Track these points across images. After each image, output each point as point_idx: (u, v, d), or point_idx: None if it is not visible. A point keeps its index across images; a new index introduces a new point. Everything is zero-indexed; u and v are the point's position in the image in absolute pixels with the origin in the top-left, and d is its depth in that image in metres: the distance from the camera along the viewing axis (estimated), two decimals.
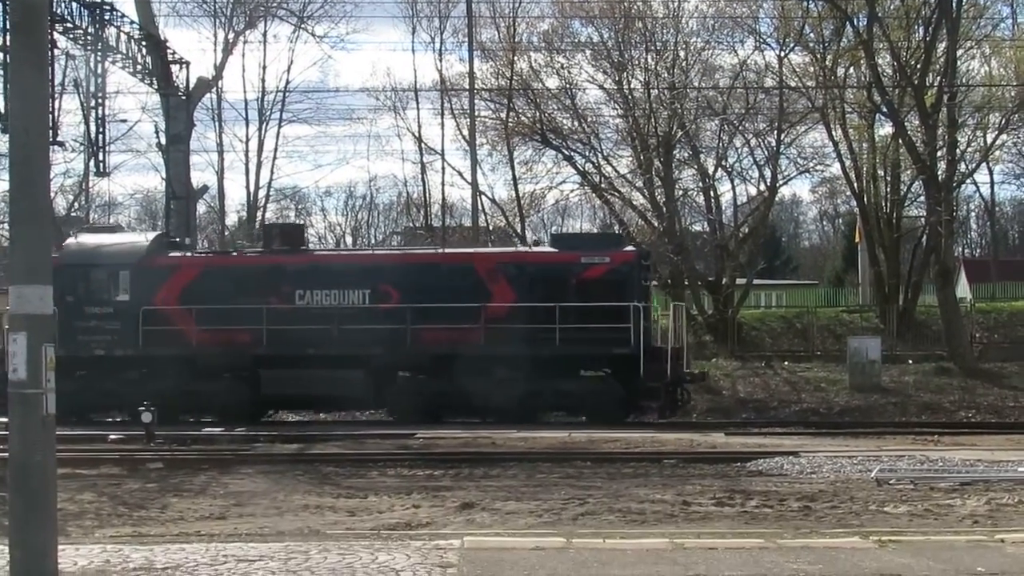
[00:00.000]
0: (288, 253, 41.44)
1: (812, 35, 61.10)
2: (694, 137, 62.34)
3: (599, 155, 63.65)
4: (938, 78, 57.71)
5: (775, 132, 62.38)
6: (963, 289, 76.42)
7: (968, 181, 66.76)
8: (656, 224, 61.18)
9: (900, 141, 57.78)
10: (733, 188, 66.21)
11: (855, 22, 58.17)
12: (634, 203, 63.75)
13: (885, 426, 37.22)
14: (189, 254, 44.23)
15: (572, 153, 63.65)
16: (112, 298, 40.62)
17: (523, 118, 63.70)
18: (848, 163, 61.89)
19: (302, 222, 72.91)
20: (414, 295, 39.59)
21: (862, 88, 60.58)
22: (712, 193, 64.18)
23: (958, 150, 59.32)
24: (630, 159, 63.86)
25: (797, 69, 61.98)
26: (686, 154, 63.59)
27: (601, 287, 39.09)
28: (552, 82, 63.92)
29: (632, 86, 61.89)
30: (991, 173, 72.94)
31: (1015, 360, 51.75)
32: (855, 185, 62.18)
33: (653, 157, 60.68)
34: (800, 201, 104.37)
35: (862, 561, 13.67)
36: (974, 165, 64.31)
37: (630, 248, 43.04)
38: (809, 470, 26.52)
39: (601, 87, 64.01)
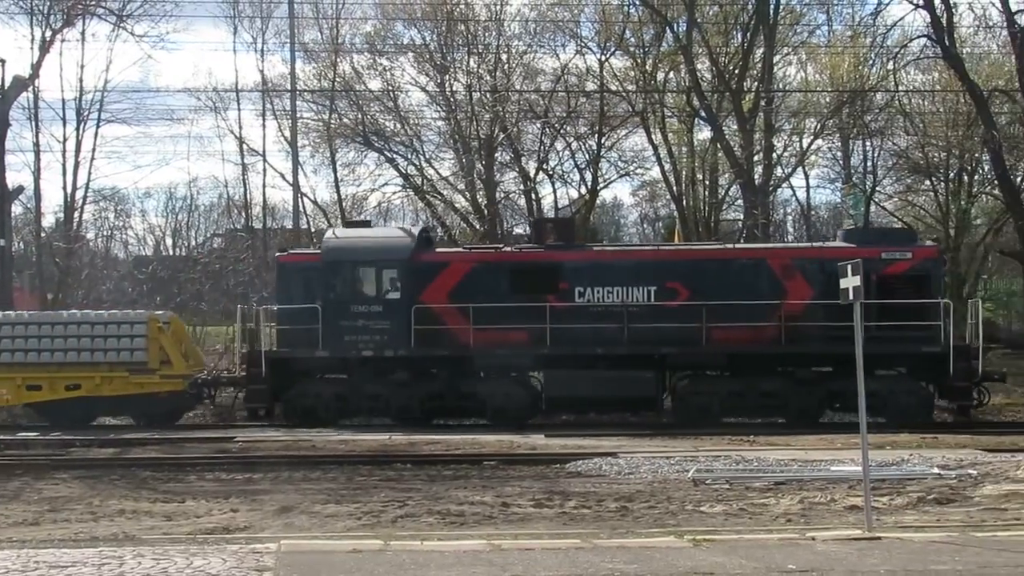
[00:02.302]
0: (565, 249, 39.60)
1: (633, 40, 61.75)
2: (516, 140, 62.61)
3: (421, 157, 63.74)
4: (755, 83, 58.73)
5: (596, 135, 62.98)
6: None
7: (784, 185, 67.81)
8: (478, 227, 61.29)
9: (718, 145, 58.65)
10: (554, 191, 66.67)
11: (675, 27, 58.98)
12: (456, 205, 63.88)
13: (703, 427, 37.59)
14: (459, 250, 42.56)
15: (394, 155, 63.61)
16: (382, 296, 38.82)
17: (345, 120, 63.47)
18: (668, 167, 62.71)
19: (120, 223, 71.47)
20: (703, 292, 38.21)
21: (682, 93, 61.43)
22: (534, 196, 64.53)
23: (775, 154, 60.46)
24: (452, 161, 64.05)
25: (618, 73, 62.58)
26: (508, 157, 63.92)
27: (904, 283, 37.96)
28: (375, 84, 63.84)
29: (454, 89, 62.08)
30: (807, 177, 74.13)
31: None
32: (674, 188, 62.95)
33: (475, 159, 60.87)
34: (621, 204, 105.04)
35: (676, 560, 13.81)
36: (790, 169, 65.35)
37: (930, 243, 41.97)
38: (627, 471, 26.71)
39: (424, 89, 64.10)
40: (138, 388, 39.11)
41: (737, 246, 40.88)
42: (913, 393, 37.67)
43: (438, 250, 41.77)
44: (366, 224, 45.13)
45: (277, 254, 42.10)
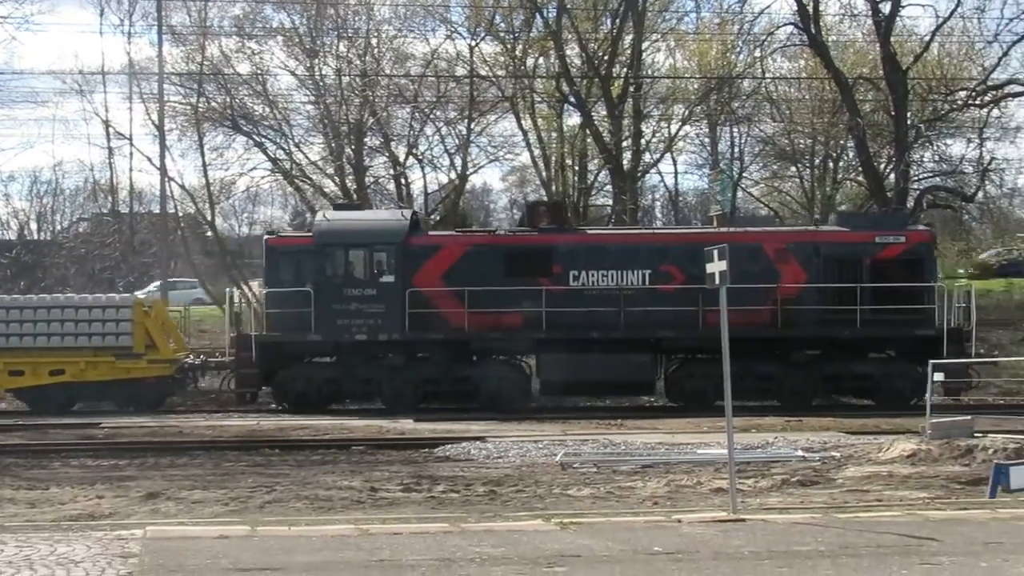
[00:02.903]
0: (560, 232, 39.44)
1: (503, 25, 61.73)
2: (386, 124, 62.34)
3: (291, 142, 63.16)
4: (624, 70, 59.00)
5: (466, 120, 62.83)
6: None
7: (653, 170, 68.23)
8: None
9: (588, 131, 58.89)
10: (424, 176, 66.38)
11: (544, 13, 59.05)
12: (325, 190, 63.44)
13: (570, 411, 37.79)
14: (453, 233, 41.99)
15: (263, 139, 62.95)
16: (376, 279, 38.38)
17: (214, 104, 62.71)
18: (537, 152, 62.82)
19: None
20: (699, 276, 38.20)
21: (551, 78, 61.56)
22: (403, 181, 64.30)
23: (643, 140, 60.80)
24: (322, 146, 63.57)
25: (488, 59, 62.49)
26: (377, 141, 63.58)
27: (897, 267, 38.19)
28: (244, 68, 63.15)
29: (324, 73, 61.66)
30: (675, 163, 74.63)
31: None
32: (544, 174, 63.09)
33: (344, 144, 60.55)
34: (491, 189, 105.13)
35: (544, 543, 13.88)
36: (659, 155, 65.73)
37: (924, 228, 42.27)
38: (496, 455, 26.83)
39: (293, 73, 63.55)
40: (124, 373, 38.82)
41: (733, 229, 41.20)
42: (907, 376, 37.72)
43: (431, 233, 41.74)
44: (356, 207, 45.48)
45: (265, 237, 41.48)
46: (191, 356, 41.25)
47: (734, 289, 37.12)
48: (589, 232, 42.01)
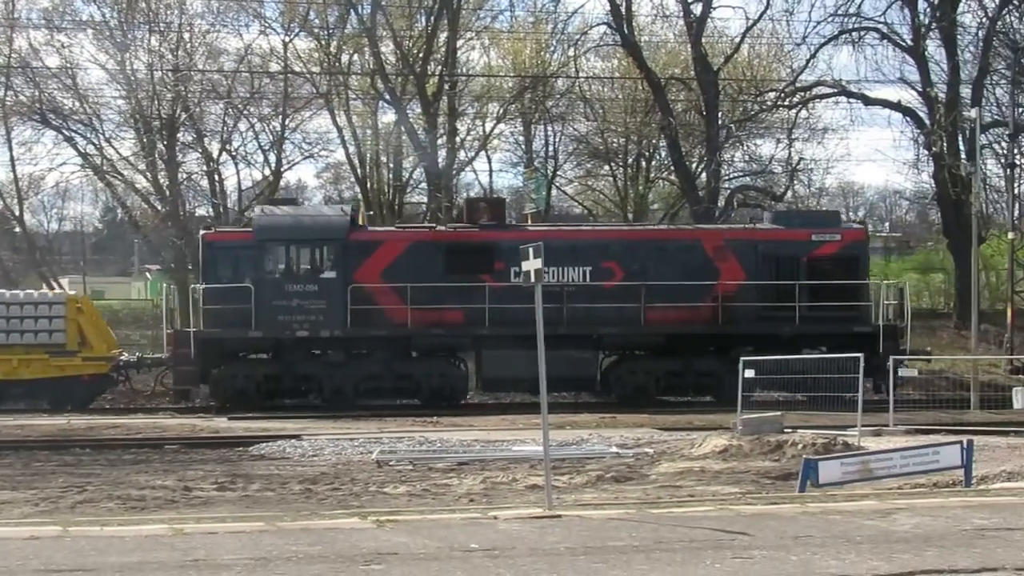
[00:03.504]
0: (501, 228, 39.22)
1: (317, 21, 61.47)
2: (198, 120, 61.70)
3: (101, 137, 62.19)
4: (439, 67, 59.08)
5: (280, 117, 62.49)
6: None
7: (468, 168, 68.32)
8: (160, 208, 60.30)
9: (403, 128, 58.87)
10: (238, 172, 65.86)
11: (359, 9, 58.91)
12: (137, 186, 62.62)
13: (386, 408, 37.77)
14: (392, 229, 41.91)
15: (73, 134, 61.95)
16: (318, 275, 37.86)
17: (22, 97, 61.57)
18: (352, 149, 62.61)
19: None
20: (638, 273, 38.14)
21: (366, 75, 61.39)
22: (217, 177, 63.71)
23: (458, 138, 60.91)
24: (133, 141, 62.69)
25: (302, 55, 62.22)
26: (190, 137, 62.89)
27: (833, 264, 38.58)
28: (53, 61, 62.11)
29: (135, 67, 60.81)
30: (490, 161, 74.71)
31: None
32: (359, 171, 62.89)
33: (156, 140, 59.78)
34: (306, 186, 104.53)
35: (360, 541, 13.83)
36: (473, 153, 65.87)
37: (858, 226, 42.57)
38: (311, 453, 26.74)
39: (103, 67, 62.62)
40: (59, 371, 38.14)
41: (671, 227, 41.17)
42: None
43: (370, 228, 41.43)
44: (292, 201, 44.94)
45: (202, 232, 41.00)
46: (125, 353, 40.65)
47: (675, 286, 38.32)
48: (530, 228, 42.10)
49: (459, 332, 38.44)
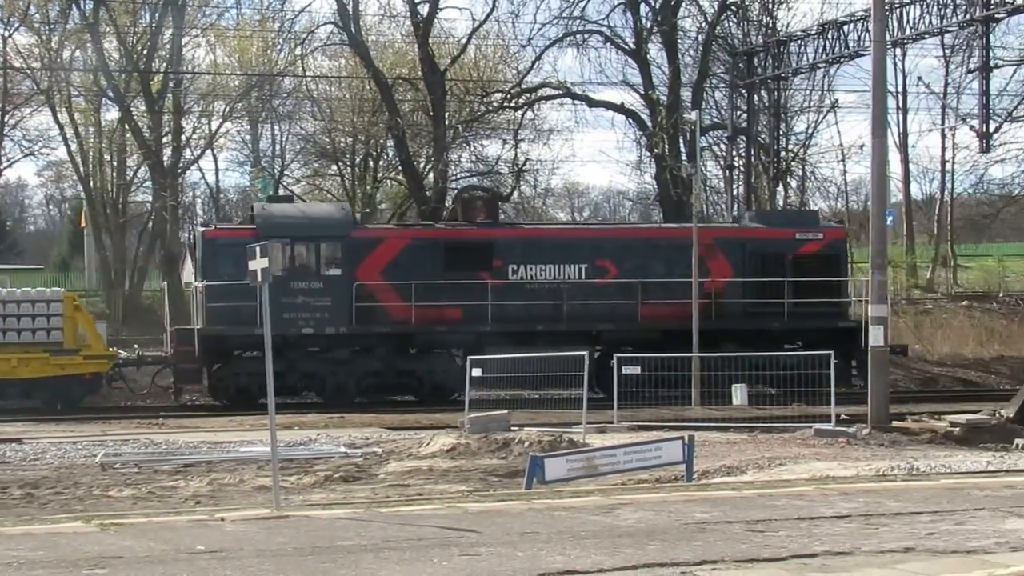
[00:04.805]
0: (498, 226, 39.25)
1: (38, 16, 60.09)
2: None
3: None
4: (164, 65, 58.30)
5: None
6: (188, 274, 77.13)
7: (194, 167, 67.39)
8: None
9: (127, 126, 57.97)
10: None
11: (81, 4, 57.79)
12: None
13: (111, 411, 37.24)
14: (391, 226, 41.20)
15: None
16: (322, 272, 37.12)
17: None
18: (74, 147, 61.38)
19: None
20: (632, 270, 38.45)
21: (89, 72, 60.22)
22: None
23: (184, 136, 60.15)
24: None
25: (22, 50, 60.81)
26: None
27: (816, 262, 39.52)
28: None
29: None
30: (216, 160, 73.76)
31: None
32: (81, 169, 61.73)
33: None
34: (26, 185, 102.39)
35: (84, 545, 13.63)
36: (199, 151, 65.03)
37: (838, 225, 43.53)
38: (33, 457, 26.21)
39: None
40: (59, 370, 36.90)
41: (662, 225, 41.40)
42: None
43: (369, 226, 41.63)
44: (289, 199, 44.55)
45: (201, 229, 40.24)
46: (124, 351, 39.59)
47: (669, 283, 38.98)
48: (526, 226, 43.05)
49: (461, 329, 38.84)
